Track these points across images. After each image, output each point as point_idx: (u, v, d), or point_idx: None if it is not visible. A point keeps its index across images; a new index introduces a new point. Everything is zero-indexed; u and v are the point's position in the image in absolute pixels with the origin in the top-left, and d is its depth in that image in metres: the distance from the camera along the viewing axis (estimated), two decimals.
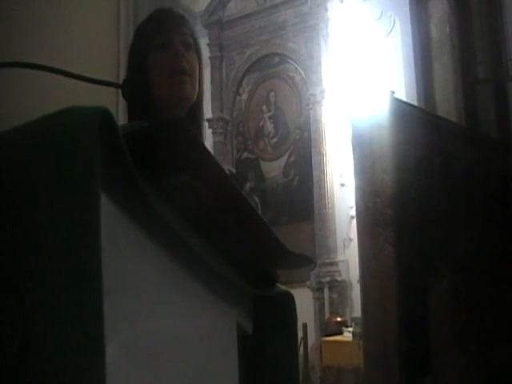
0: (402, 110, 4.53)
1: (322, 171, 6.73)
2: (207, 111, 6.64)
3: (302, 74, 7.21)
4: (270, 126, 7.35)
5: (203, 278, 0.93)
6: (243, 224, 0.97)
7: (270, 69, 7.48)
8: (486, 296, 4.41)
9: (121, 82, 1.19)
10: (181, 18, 1.45)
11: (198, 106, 1.43)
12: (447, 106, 6.31)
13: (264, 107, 7.42)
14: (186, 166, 0.86)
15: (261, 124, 7.42)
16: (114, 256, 0.75)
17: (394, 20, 6.57)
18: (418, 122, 4.67)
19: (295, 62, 7.31)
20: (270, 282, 1.10)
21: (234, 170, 1.51)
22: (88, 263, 0.70)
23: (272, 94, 7.40)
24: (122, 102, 2.11)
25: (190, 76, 1.36)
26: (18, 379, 0.74)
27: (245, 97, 7.57)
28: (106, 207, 0.75)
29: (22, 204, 0.75)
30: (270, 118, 7.37)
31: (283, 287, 1.14)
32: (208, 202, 0.92)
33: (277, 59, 7.47)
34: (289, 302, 1.16)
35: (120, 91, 1.65)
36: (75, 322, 0.70)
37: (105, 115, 0.74)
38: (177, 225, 0.86)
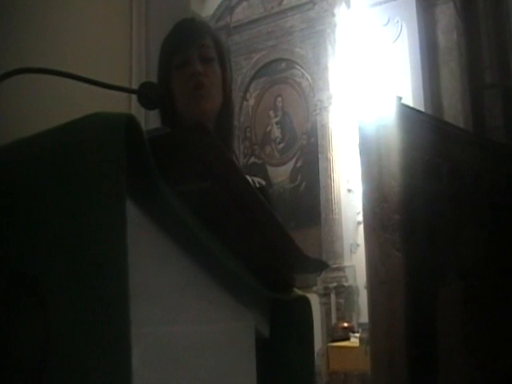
0: (409, 116, 4.53)
1: (329, 177, 6.74)
2: None
3: (309, 79, 7.23)
4: (277, 132, 7.37)
5: (223, 282, 0.94)
6: (262, 229, 0.98)
7: (277, 74, 7.50)
8: (494, 301, 4.40)
9: (133, 87, 1.20)
10: (198, 31, 1.45)
11: (224, 114, 1.44)
12: (454, 112, 6.31)
13: (271, 112, 7.44)
14: (207, 171, 0.87)
15: (268, 129, 7.43)
16: (138, 260, 0.76)
17: (401, 26, 6.58)
18: (425, 127, 4.67)
19: (302, 67, 7.33)
20: (287, 287, 1.11)
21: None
22: (114, 268, 0.71)
23: (279, 99, 7.42)
24: (134, 108, 2.12)
25: (209, 90, 1.39)
26: None
27: (252, 102, 7.59)
28: (131, 211, 0.75)
29: (47, 209, 0.76)
30: (277, 123, 7.39)
31: (300, 292, 1.15)
32: (228, 206, 0.93)
33: (284, 64, 7.49)
34: (305, 306, 1.16)
35: (131, 96, 1.66)
36: (100, 326, 0.71)
37: (130, 121, 0.74)
38: (198, 229, 0.87)
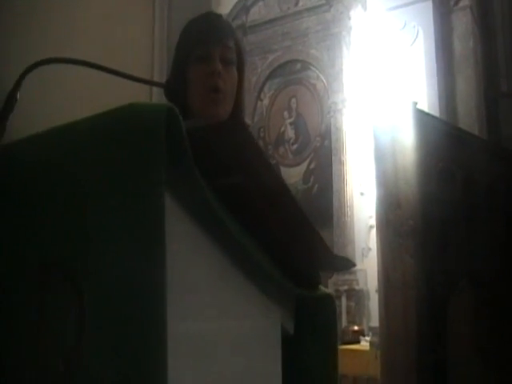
0: (424, 122, 4.50)
1: (342, 179, 6.71)
2: None
3: (324, 81, 7.21)
4: (290, 132, 7.36)
5: (253, 276, 0.93)
6: (291, 226, 0.98)
7: (292, 75, 7.48)
8: (508, 309, 4.37)
9: (156, 80, 1.21)
10: (224, 30, 1.40)
11: (234, 116, 1.42)
12: (470, 119, 6.28)
13: (285, 113, 7.42)
14: (242, 165, 0.87)
15: (282, 130, 7.42)
16: (174, 253, 0.75)
17: (418, 30, 6.55)
18: (441, 134, 4.64)
19: (317, 69, 7.31)
20: (313, 284, 1.11)
21: None
22: (152, 261, 0.70)
23: (293, 100, 7.40)
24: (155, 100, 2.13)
25: (224, 94, 1.35)
26: (73, 376, 0.74)
27: (266, 102, 7.58)
28: (168, 204, 0.75)
29: (85, 197, 0.76)
30: (291, 124, 7.37)
31: (326, 289, 1.15)
32: (259, 202, 0.93)
33: (299, 66, 7.47)
34: (330, 303, 1.16)
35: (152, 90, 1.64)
36: (137, 319, 0.70)
37: (170, 112, 0.74)
38: (229, 222, 0.87)
